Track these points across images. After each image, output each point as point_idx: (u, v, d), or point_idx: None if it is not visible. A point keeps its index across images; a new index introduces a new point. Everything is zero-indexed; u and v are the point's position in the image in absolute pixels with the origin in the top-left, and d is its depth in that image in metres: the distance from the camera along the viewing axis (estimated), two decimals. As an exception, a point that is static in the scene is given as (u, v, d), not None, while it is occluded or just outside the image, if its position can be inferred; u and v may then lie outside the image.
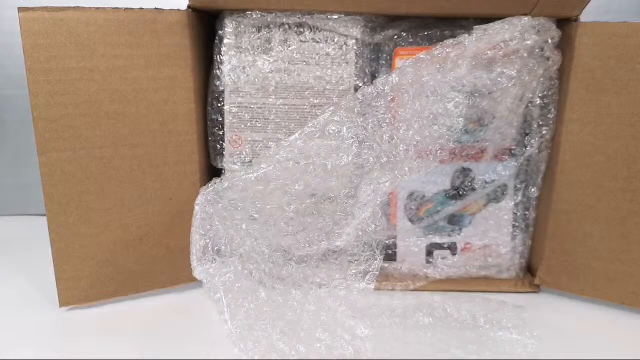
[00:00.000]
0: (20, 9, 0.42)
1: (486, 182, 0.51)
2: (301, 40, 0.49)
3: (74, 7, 0.43)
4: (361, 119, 0.47)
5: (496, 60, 0.46)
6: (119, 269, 0.49)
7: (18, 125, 0.69)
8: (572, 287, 0.51)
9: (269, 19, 0.49)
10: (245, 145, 0.51)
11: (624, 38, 0.45)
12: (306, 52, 0.49)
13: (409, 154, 0.47)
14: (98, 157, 0.46)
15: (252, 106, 0.50)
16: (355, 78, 0.50)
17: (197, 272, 0.46)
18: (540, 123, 0.50)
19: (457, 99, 0.47)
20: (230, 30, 0.49)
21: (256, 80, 0.50)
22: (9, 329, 0.46)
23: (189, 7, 0.47)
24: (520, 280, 0.54)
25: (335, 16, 0.48)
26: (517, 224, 0.52)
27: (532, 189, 0.51)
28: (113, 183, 0.47)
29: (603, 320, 0.48)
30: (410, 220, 0.53)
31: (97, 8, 0.44)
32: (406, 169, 0.47)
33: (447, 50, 0.46)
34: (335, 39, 0.49)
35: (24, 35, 0.43)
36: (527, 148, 0.50)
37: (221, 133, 0.51)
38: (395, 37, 0.50)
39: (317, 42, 0.49)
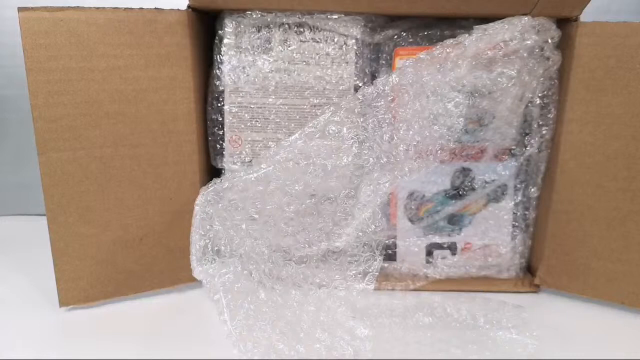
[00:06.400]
0: (20, 9, 0.42)
1: (486, 182, 0.51)
2: (301, 40, 0.49)
3: (74, 7, 0.43)
4: (361, 120, 0.47)
5: (496, 60, 0.46)
6: (119, 269, 0.49)
7: (18, 125, 0.69)
8: (572, 287, 0.51)
9: (269, 19, 0.49)
10: (245, 145, 0.51)
11: (624, 38, 0.45)
12: (306, 52, 0.49)
13: (409, 154, 0.47)
14: (98, 157, 0.46)
15: (252, 106, 0.50)
16: (355, 78, 0.50)
17: (197, 272, 0.46)
18: (540, 123, 0.49)
19: (457, 99, 0.47)
20: (230, 30, 0.49)
21: (256, 80, 0.50)
22: (9, 329, 0.46)
23: (189, 7, 0.47)
24: (520, 280, 0.54)
25: (335, 16, 0.48)
26: (517, 224, 0.52)
27: (532, 189, 0.51)
28: (113, 183, 0.47)
29: (603, 320, 0.48)
30: (410, 220, 0.53)
31: (97, 8, 0.44)
32: (406, 169, 0.47)
33: (447, 50, 0.46)
34: (335, 39, 0.49)
35: (24, 35, 0.43)
36: (527, 148, 0.50)
37: (221, 133, 0.51)
38: (395, 37, 0.50)
39: (317, 42, 0.49)
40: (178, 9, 0.47)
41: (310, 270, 0.49)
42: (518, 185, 0.52)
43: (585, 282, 0.50)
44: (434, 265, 0.53)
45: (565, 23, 0.48)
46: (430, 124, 0.47)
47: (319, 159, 0.46)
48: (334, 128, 0.47)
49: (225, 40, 0.50)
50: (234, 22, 0.49)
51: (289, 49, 0.49)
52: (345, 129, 0.47)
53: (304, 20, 0.49)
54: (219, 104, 0.51)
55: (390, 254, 0.53)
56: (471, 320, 0.46)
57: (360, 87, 0.49)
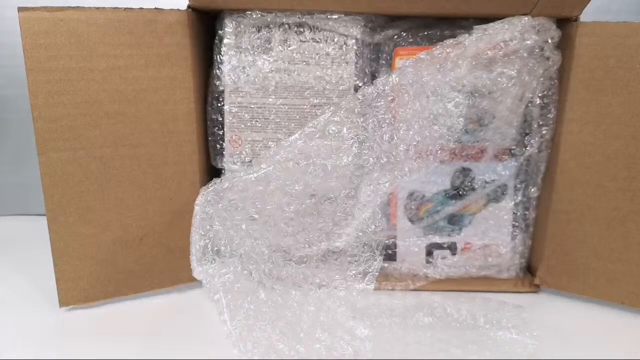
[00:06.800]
0: (20, 9, 0.42)
1: (486, 182, 0.51)
2: (301, 40, 0.49)
3: (74, 7, 0.43)
4: (361, 120, 0.47)
5: (496, 60, 0.46)
6: (119, 269, 0.49)
7: (18, 125, 0.69)
8: (572, 287, 0.51)
9: (269, 19, 0.49)
10: (245, 145, 0.51)
11: (624, 38, 0.45)
12: (306, 52, 0.49)
13: (409, 154, 0.47)
14: (98, 157, 0.46)
15: (252, 106, 0.50)
16: (355, 78, 0.50)
17: (197, 272, 0.46)
18: (540, 123, 0.49)
19: (457, 99, 0.47)
20: (230, 30, 0.49)
21: (256, 80, 0.50)
22: (9, 329, 0.46)
23: (189, 7, 0.47)
24: (520, 280, 0.54)
25: (335, 16, 0.48)
26: (517, 224, 0.52)
27: (532, 189, 0.51)
28: (113, 183, 0.47)
29: (603, 320, 0.48)
30: (410, 220, 0.53)
31: (97, 8, 0.44)
32: (406, 169, 0.47)
33: (447, 50, 0.46)
34: (335, 39, 0.49)
35: (24, 35, 0.43)
36: (527, 148, 0.50)
37: (221, 133, 0.51)
38: (395, 37, 0.50)
39: (317, 42, 0.49)
40: (178, 9, 0.47)
41: (310, 270, 0.49)
42: (518, 185, 0.52)
43: (585, 282, 0.50)
44: (434, 265, 0.53)
45: (565, 23, 0.48)
46: (430, 124, 0.47)
47: (319, 159, 0.46)
48: (334, 128, 0.47)
49: (225, 40, 0.50)
50: (234, 22, 0.49)
51: (289, 49, 0.49)
52: (345, 129, 0.47)
53: (304, 20, 0.49)
54: (219, 104, 0.51)
55: (390, 254, 0.53)
56: (471, 320, 0.46)
57: (360, 87, 0.49)
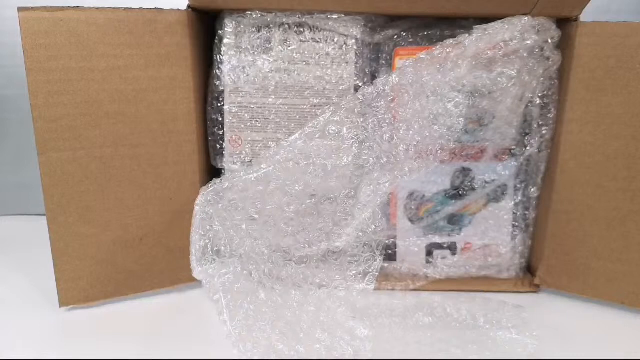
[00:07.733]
0: (20, 9, 0.42)
1: (486, 182, 0.51)
2: (301, 40, 0.49)
3: (74, 7, 0.43)
4: (361, 120, 0.47)
5: (496, 60, 0.46)
6: (119, 269, 0.49)
7: (18, 125, 0.69)
8: (572, 287, 0.51)
9: (269, 19, 0.49)
10: (245, 145, 0.51)
11: (624, 38, 0.45)
12: (306, 52, 0.49)
13: (409, 154, 0.47)
14: (98, 157, 0.46)
15: (252, 106, 0.50)
16: (355, 78, 0.50)
17: (197, 272, 0.46)
18: (540, 123, 0.49)
19: (457, 99, 0.47)
20: (230, 30, 0.49)
21: (256, 80, 0.50)
22: (9, 329, 0.46)
23: (189, 7, 0.47)
24: (520, 280, 0.54)
25: (335, 16, 0.48)
26: (517, 224, 0.52)
27: (532, 189, 0.51)
28: (113, 183, 0.47)
29: (603, 320, 0.48)
30: (410, 220, 0.53)
31: (97, 8, 0.44)
32: (406, 169, 0.47)
33: (447, 50, 0.46)
34: (335, 39, 0.49)
35: (24, 35, 0.43)
36: (527, 148, 0.50)
37: (221, 133, 0.51)
38: (395, 37, 0.50)
39: (317, 42, 0.49)
40: (178, 9, 0.47)
41: (310, 271, 0.49)
42: (518, 185, 0.52)
43: (585, 282, 0.50)
44: (434, 265, 0.53)
45: (565, 23, 0.48)
46: (430, 124, 0.47)
47: (319, 159, 0.46)
48: (334, 128, 0.47)
49: (225, 40, 0.50)
50: (234, 22, 0.49)
51: (289, 49, 0.49)
52: (345, 129, 0.47)
53: (304, 20, 0.49)
54: (219, 104, 0.51)
55: (390, 254, 0.53)
56: (471, 320, 0.46)
57: (360, 87, 0.49)
